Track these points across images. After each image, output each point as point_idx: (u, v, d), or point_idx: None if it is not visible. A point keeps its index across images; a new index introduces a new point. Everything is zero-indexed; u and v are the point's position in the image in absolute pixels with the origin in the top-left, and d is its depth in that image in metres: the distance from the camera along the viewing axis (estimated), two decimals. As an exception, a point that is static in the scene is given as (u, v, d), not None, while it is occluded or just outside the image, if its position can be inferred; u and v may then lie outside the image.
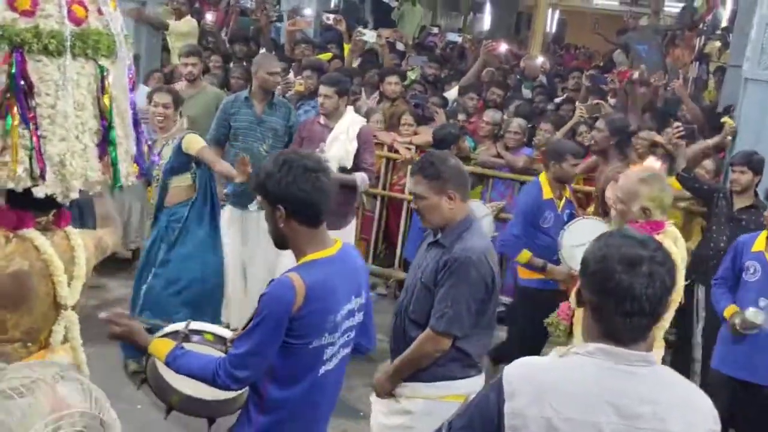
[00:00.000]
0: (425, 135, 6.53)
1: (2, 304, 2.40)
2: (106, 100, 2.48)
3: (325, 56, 8.33)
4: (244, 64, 7.45)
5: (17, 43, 2.33)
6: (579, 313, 3.29)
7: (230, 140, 5.54)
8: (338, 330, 2.56)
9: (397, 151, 6.56)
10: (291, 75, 6.99)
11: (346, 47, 8.58)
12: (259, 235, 5.27)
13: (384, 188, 6.77)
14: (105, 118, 2.51)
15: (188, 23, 8.56)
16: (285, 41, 8.87)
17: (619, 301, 1.84)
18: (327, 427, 2.78)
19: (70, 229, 2.62)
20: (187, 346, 2.60)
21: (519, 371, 1.94)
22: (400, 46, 10.43)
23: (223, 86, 7.03)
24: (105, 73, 2.48)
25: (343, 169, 5.24)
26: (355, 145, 5.28)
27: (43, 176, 2.37)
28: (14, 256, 2.42)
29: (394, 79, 7.14)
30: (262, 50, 8.42)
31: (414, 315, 3.18)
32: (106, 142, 2.52)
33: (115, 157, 2.53)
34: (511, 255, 5.13)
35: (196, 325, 2.82)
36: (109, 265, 5.38)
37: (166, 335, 2.73)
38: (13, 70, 2.32)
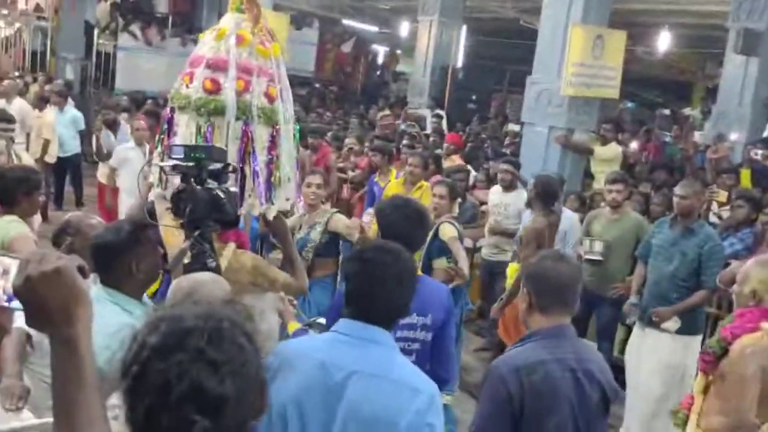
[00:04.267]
0: None
1: None
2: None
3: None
4: (665, 191, 7.28)
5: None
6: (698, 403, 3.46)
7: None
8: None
9: None
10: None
11: None
12: None
13: None
14: None
15: (613, 150, 8.63)
16: (707, 168, 8.79)
17: None
18: None
19: (231, 244, 3.56)
20: None
21: None
22: None
23: (644, 213, 6.99)
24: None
25: None
26: None
27: None
28: None
29: None
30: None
31: None
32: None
33: None
34: None
35: None
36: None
37: None
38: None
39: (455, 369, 3.52)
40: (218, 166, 3.22)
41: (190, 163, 3.11)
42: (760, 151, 8.51)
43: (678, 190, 5.57)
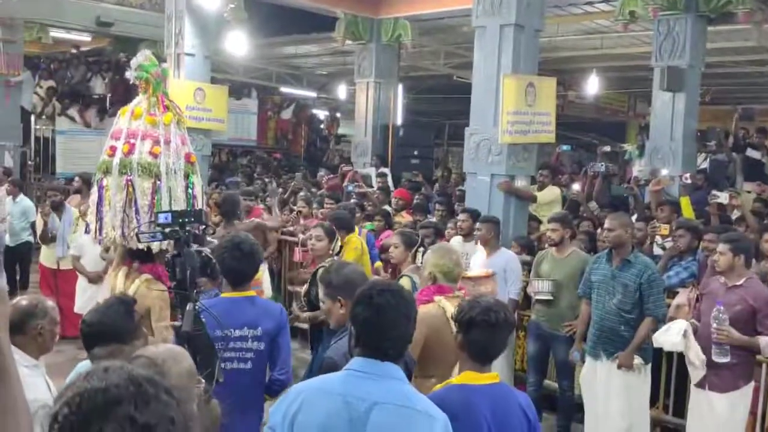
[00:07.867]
0: None
1: None
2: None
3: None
4: None
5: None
6: None
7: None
8: (225, 343, 3.64)
9: None
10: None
11: None
12: None
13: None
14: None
15: (551, 192, 9.16)
16: (650, 201, 8.95)
17: None
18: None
19: (145, 275, 4.38)
20: None
21: None
22: None
23: (590, 251, 7.15)
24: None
25: None
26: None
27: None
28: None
29: None
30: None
31: None
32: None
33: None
34: None
35: None
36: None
37: None
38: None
39: (290, 372, 3.97)
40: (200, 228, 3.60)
41: (177, 228, 3.44)
42: (687, 174, 8.84)
43: (605, 224, 5.75)
